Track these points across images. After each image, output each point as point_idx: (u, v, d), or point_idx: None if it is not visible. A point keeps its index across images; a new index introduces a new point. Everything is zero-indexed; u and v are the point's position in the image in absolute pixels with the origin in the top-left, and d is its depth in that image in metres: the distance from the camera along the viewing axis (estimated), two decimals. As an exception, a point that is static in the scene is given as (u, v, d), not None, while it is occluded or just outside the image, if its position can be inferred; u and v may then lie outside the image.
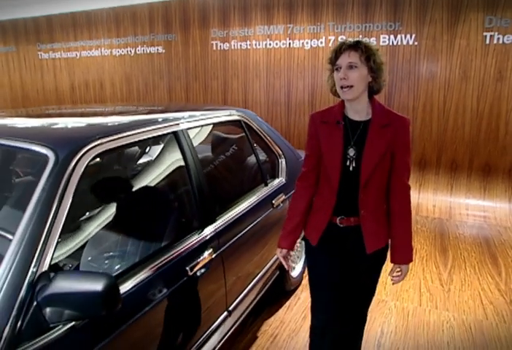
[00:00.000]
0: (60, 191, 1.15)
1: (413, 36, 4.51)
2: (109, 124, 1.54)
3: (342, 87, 1.45)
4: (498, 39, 4.16)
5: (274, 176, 2.53)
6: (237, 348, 2.30)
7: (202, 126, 1.95)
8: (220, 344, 1.85)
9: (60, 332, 1.05)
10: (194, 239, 1.61)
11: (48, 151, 1.22)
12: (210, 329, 1.70)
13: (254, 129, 2.41)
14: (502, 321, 2.59)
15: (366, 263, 1.63)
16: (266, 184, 2.35)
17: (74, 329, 1.08)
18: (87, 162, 1.26)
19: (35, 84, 7.68)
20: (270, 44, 5.28)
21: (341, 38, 4.85)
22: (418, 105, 4.65)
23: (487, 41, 4.22)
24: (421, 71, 4.56)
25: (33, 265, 1.03)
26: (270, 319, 2.58)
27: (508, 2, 4.06)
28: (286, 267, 1.73)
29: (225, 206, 1.91)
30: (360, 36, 4.75)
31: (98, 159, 1.34)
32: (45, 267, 1.06)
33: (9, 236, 1.41)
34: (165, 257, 1.46)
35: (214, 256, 1.68)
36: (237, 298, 1.92)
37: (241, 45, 5.47)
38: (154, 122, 1.65)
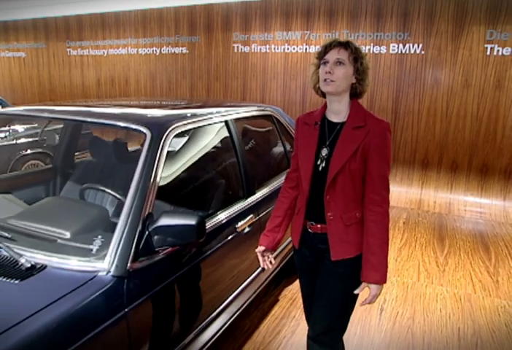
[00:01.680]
0: (157, 157, 1.58)
1: (421, 45, 4.93)
2: (181, 113, 1.97)
3: (325, 80, 1.46)
4: (498, 50, 4.58)
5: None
6: (263, 306, 2.73)
7: (244, 118, 2.39)
8: (253, 296, 2.28)
9: (160, 256, 1.48)
10: (241, 204, 2.05)
11: (146, 130, 1.65)
12: (249, 279, 2.13)
13: (281, 122, 2.84)
14: (488, 295, 3.01)
15: (336, 274, 1.55)
16: (291, 169, 2.79)
17: (167, 255, 1.51)
18: (171, 139, 1.70)
19: (62, 78, 8.14)
20: (288, 49, 5.71)
21: (355, 45, 5.28)
22: (423, 109, 5.07)
23: (488, 53, 4.64)
24: (427, 78, 4.98)
25: (144, 207, 1.46)
26: (289, 287, 3.01)
27: (508, 18, 4.48)
28: (261, 264, 1.70)
29: (261, 183, 2.34)
30: (372, 44, 5.18)
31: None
32: (150, 209, 1.49)
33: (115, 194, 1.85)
34: (222, 215, 1.89)
35: (254, 220, 2.11)
36: (268, 258, 2.34)
37: (260, 49, 5.90)
38: (211, 113, 2.08)
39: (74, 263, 1.33)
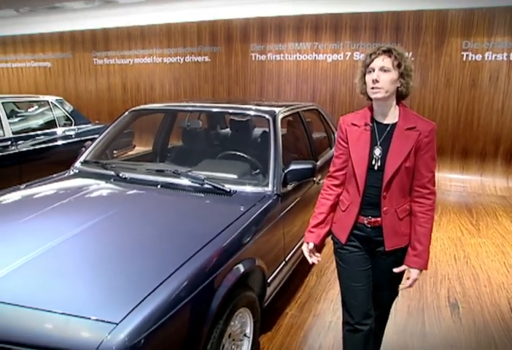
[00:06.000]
0: (279, 132, 2.62)
1: (411, 53, 6.09)
2: (280, 105, 2.98)
3: (373, 88, 1.55)
4: (472, 57, 5.78)
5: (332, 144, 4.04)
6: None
7: (305, 110, 3.45)
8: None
9: (288, 187, 2.51)
10: (314, 166, 3.11)
11: (268, 116, 2.69)
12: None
13: (322, 114, 3.92)
14: (472, 236, 4.14)
15: (389, 262, 1.67)
16: (331, 148, 3.86)
17: (292, 188, 2.55)
18: (280, 120, 2.73)
19: (88, 86, 9.01)
20: (299, 57, 6.81)
21: (356, 54, 6.42)
22: (414, 105, 6.21)
23: (464, 59, 5.84)
24: (416, 80, 6.12)
25: (279, 164, 2.48)
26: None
27: (478, 31, 5.69)
28: (309, 261, 1.79)
29: (319, 154, 3.41)
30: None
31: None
32: (281, 163, 2.52)
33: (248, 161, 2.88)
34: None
35: (319, 177, 3.16)
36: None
37: (275, 57, 6.98)
38: (290, 107, 3.13)
39: (251, 189, 2.37)
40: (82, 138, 5.42)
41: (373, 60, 1.56)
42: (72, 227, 1.87)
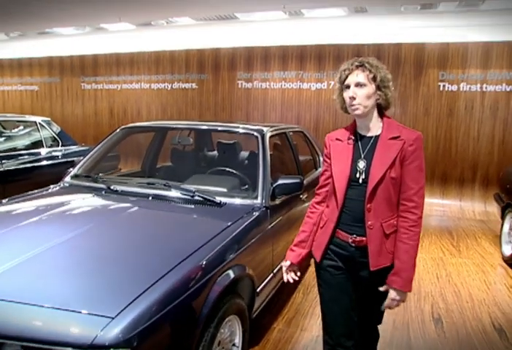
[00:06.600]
0: (267, 148, 2.72)
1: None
2: (267, 126, 3.10)
3: (351, 105, 1.53)
4: (448, 87, 6.10)
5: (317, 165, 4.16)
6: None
7: (292, 132, 3.58)
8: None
9: (277, 201, 2.58)
10: (300, 184, 3.20)
11: (257, 134, 2.80)
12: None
13: (307, 136, 4.05)
14: (453, 256, 4.24)
15: (374, 282, 1.58)
16: (316, 169, 3.97)
17: (280, 202, 2.62)
18: (268, 138, 2.84)
19: (75, 110, 9.06)
20: (284, 85, 7.04)
21: (339, 82, 6.68)
22: (394, 132, 6.44)
23: (441, 89, 6.15)
24: (396, 109, 6.39)
25: (268, 178, 2.56)
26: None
27: (453, 64, 6.04)
28: (284, 278, 1.79)
29: (305, 173, 3.50)
30: (352, 82, 6.59)
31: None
32: (269, 177, 2.60)
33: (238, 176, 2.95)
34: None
35: (306, 195, 3.25)
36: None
37: (261, 85, 7.20)
38: (278, 128, 3.25)
39: (241, 201, 2.43)
40: (69, 160, 5.42)
41: (347, 76, 1.55)
42: (62, 234, 1.89)
